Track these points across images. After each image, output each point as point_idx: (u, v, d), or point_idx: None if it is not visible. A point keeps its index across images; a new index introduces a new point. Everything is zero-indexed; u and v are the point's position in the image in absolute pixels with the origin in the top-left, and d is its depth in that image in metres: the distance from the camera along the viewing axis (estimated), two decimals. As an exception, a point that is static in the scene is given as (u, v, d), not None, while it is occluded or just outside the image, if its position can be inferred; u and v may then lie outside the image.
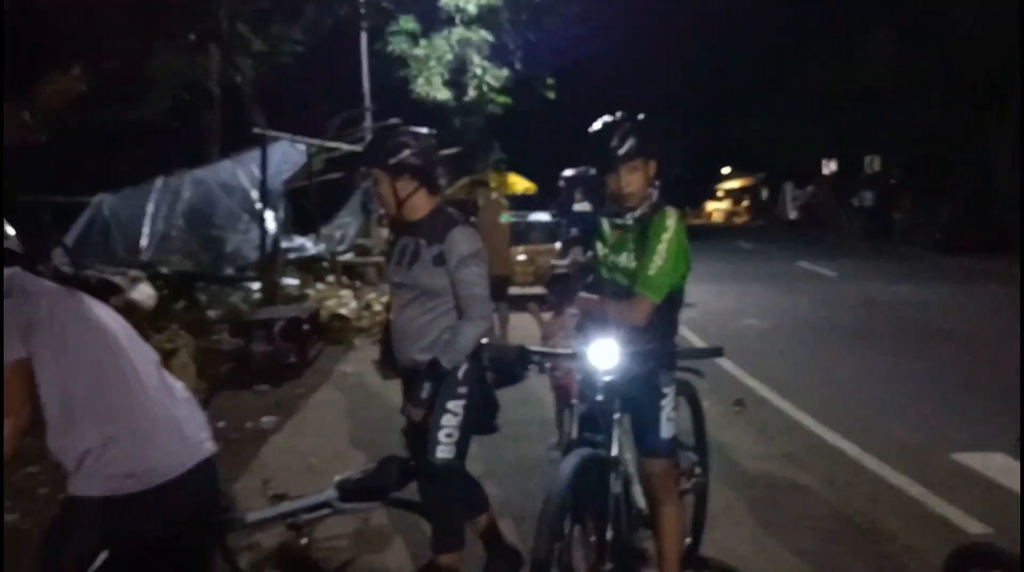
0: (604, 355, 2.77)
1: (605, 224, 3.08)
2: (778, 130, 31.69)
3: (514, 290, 9.15)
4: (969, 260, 17.74)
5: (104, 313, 2.27)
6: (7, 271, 2.18)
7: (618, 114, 2.95)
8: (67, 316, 2.15)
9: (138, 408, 2.15)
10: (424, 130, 3.22)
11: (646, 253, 2.85)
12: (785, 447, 5.30)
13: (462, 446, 3.01)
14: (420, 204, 3.06)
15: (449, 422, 2.96)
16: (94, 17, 5.77)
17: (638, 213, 2.92)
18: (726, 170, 47.23)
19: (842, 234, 28.21)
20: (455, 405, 2.97)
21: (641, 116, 2.94)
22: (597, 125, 2.95)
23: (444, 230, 2.98)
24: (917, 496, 4.39)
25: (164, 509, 2.15)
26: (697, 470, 3.54)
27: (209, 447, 2.27)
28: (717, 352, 2.90)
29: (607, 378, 2.80)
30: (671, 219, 2.88)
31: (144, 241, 10.75)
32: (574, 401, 3.05)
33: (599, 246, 3.10)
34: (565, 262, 5.03)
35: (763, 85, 32.32)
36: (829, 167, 32.15)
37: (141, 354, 2.25)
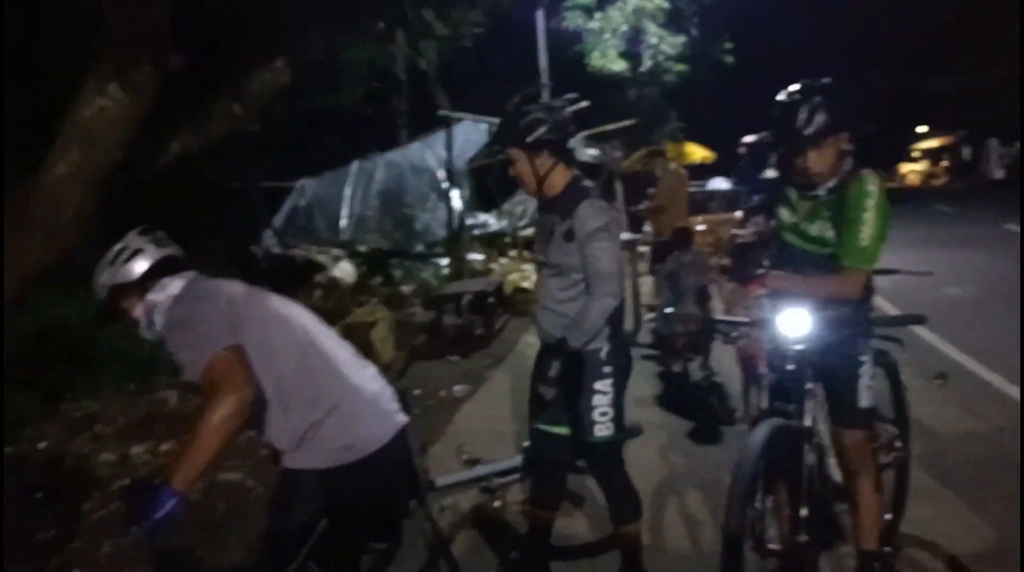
0: (795, 323, 2.71)
1: (792, 193, 2.93)
2: (980, 82, 28.71)
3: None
4: None
5: (285, 304, 2.45)
6: (185, 277, 2.34)
7: (803, 82, 2.76)
8: (256, 311, 2.32)
9: (345, 386, 2.31)
10: (559, 101, 3.11)
11: (852, 222, 2.71)
12: (993, 423, 4.96)
13: (619, 420, 3.00)
14: (557, 180, 2.96)
15: (600, 402, 2.94)
16: (294, 12, 6.24)
17: (831, 184, 2.78)
18: (922, 129, 43.47)
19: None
20: (602, 385, 2.94)
21: (827, 81, 2.75)
22: (782, 96, 2.77)
23: (574, 204, 2.89)
24: None
25: (372, 478, 2.32)
26: (897, 444, 3.37)
27: (402, 418, 2.42)
28: (919, 319, 2.76)
29: (799, 347, 2.73)
30: (872, 184, 2.73)
31: (343, 221, 11.58)
32: (762, 372, 3.00)
33: (786, 214, 2.97)
34: (747, 231, 4.92)
35: (962, 33, 29.38)
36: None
37: (331, 338, 2.43)
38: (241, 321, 2.22)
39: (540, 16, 15.67)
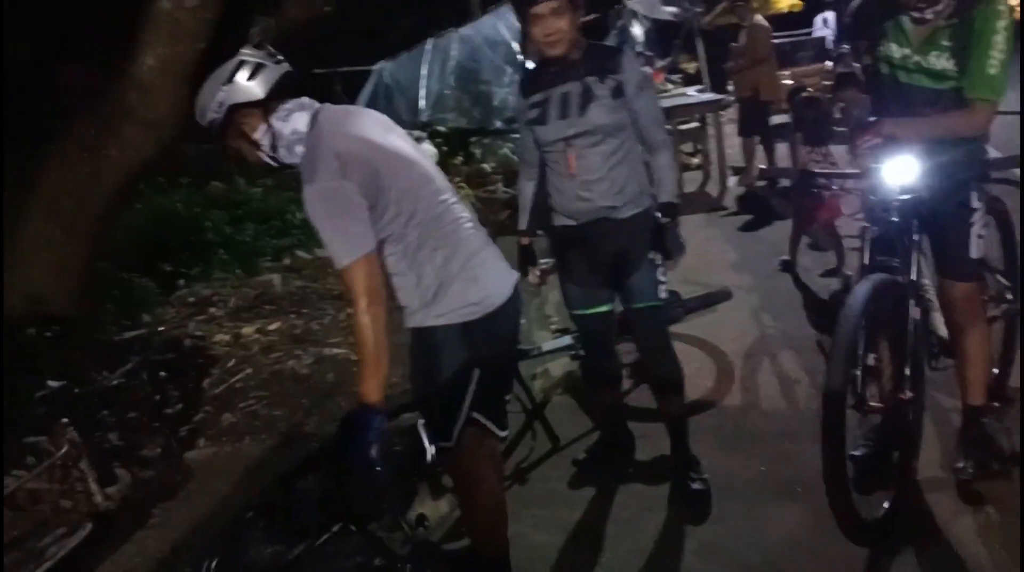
0: (902, 171, 2.56)
1: (905, 20, 2.63)
2: None
3: (776, 119, 8.63)
4: None
5: (416, 151, 2.32)
6: (306, 107, 2.19)
7: None
8: (395, 162, 2.18)
9: (472, 240, 2.29)
10: None
11: (981, 48, 2.47)
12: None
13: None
14: (579, 37, 2.70)
15: (655, 264, 2.84)
16: None
17: (941, 6, 2.49)
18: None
19: None
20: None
21: None
22: None
23: (615, 59, 2.72)
24: None
25: (505, 328, 2.36)
26: (1008, 295, 3.23)
27: (515, 273, 2.43)
28: None
29: (904, 196, 2.59)
30: (1003, 4, 2.48)
31: (422, 102, 11.48)
32: (866, 225, 2.82)
33: (894, 48, 2.68)
34: (810, 86, 4.62)
35: None
36: None
37: (453, 192, 2.36)
38: (380, 176, 2.11)
39: None
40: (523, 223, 3.07)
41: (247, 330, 5.41)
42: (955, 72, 2.58)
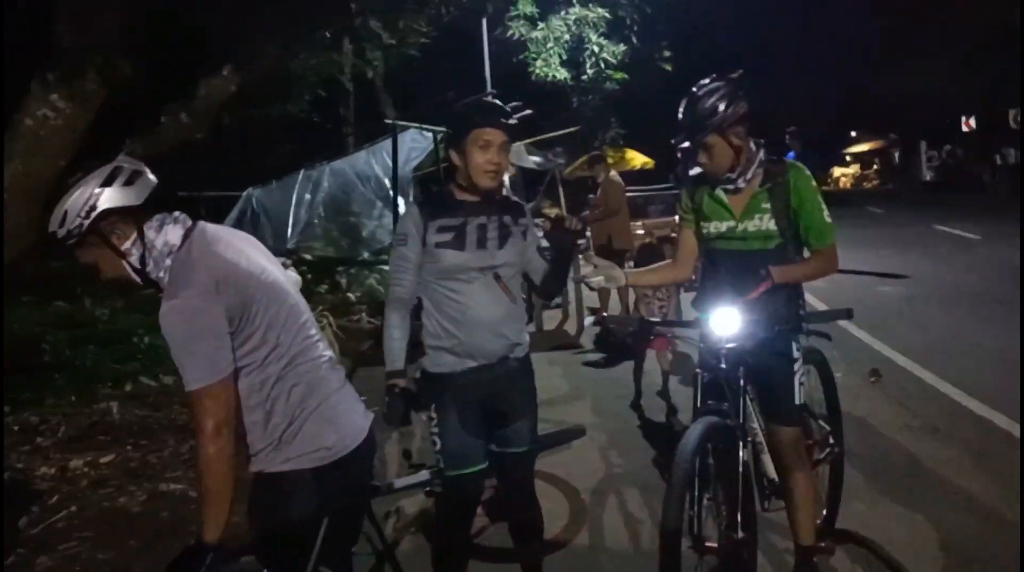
0: (728, 322, 2.77)
1: (721, 194, 2.93)
2: (910, 88, 29.82)
3: (629, 266, 9.19)
4: None
5: (285, 278, 2.23)
6: (179, 222, 2.12)
7: (711, 77, 2.86)
8: (264, 292, 2.10)
9: (328, 380, 2.20)
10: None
11: (809, 205, 2.84)
12: (927, 418, 5.14)
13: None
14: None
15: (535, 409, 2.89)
16: (242, 21, 6.23)
17: (751, 173, 2.85)
18: (853, 133, 44.94)
19: (984, 194, 26.44)
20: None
21: (735, 74, 2.86)
22: (693, 90, 2.85)
23: (519, 206, 2.85)
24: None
25: (359, 474, 2.26)
26: (831, 440, 3.47)
27: (370, 413, 2.33)
28: (847, 314, 2.84)
29: (731, 345, 2.78)
30: (806, 170, 2.90)
31: (290, 230, 11.48)
32: (697, 371, 3.00)
33: (712, 225, 2.96)
34: (660, 237, 5.07)
35: (892, 40, 30.48)
36: (968, 124, 30.08)
37: (314, 325, 2.27)
38: (251, 303, 2.02)
39: (484, 26, 15.79)
40: (398, 363, 2.71)
41: (75, 463, 5.01)
42: (777, 232, 2.89)
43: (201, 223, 2.16)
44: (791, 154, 11.33)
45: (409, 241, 2.68)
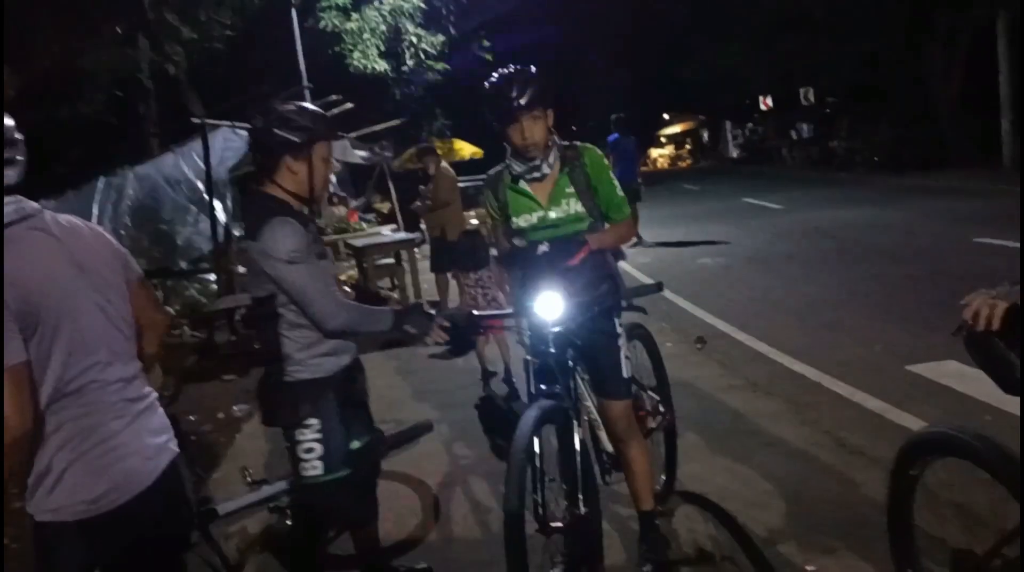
0: (551, 307, 2.80)
1: (524, 186, 3.01)
2: (713, 71, 31.90)
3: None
4: (909, 179, 18.23)
5: (85, 286, 1.96)
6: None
7: (512, 67, 2.96)
8: (58, 300, 1.88)
9: (114, 416, 1.96)
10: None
11: (605, 184, 3.00)
12: (749, 377, 5.47)
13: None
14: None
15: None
16: (18, 17, 5.62)
17: (552, 159, 2.96)
18: (666, 116, 47.53)
19: (784, 167, 28.77)
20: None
21: (534, 69, 2.95)
22: (493, 78, 2.97)
23: None
24: (876, 409, 4.59)
25: (142, 520, 1.99)
26: (661, 408, 3.59)
27: (173, 448, 2.11)
28: (658, 288, 3.01)
29: (556, 329, 2.82)
30: (597, 150, 3.07)
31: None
32: (528, 357, 2.96)
33: (522, 219, 3.03)
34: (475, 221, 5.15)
35: (696, 25, 32.43)
36: (766, 103, 32.55)
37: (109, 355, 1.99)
38: (31, 317, 1.79)
39: (295, 16, 15.24)
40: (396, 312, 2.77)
41: None
42: (586, 212, 2.99)
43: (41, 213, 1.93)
44: (614, 136, 11.77)
45: (308, 254, 2.55)
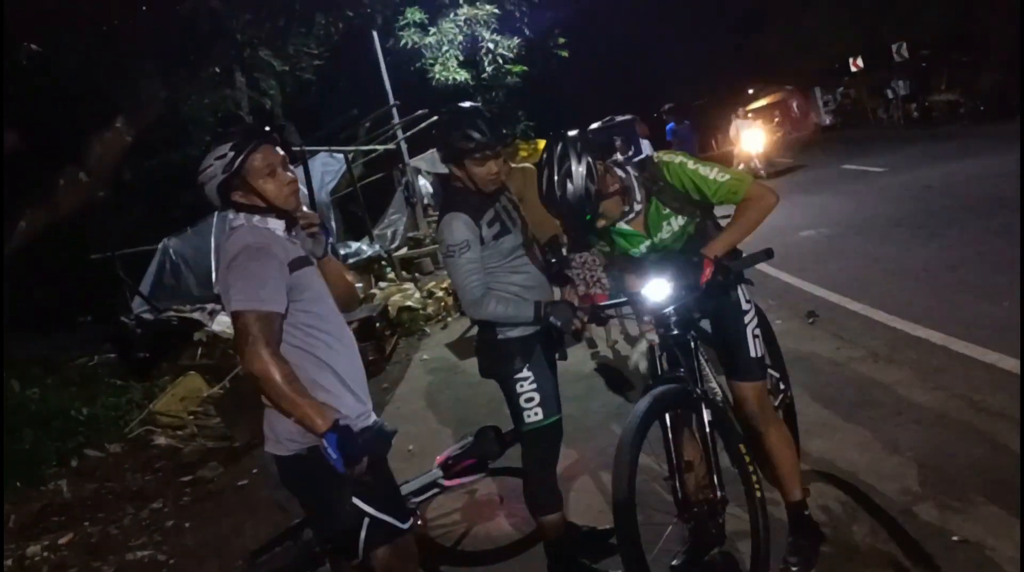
0: (660, 288, 2.81)
1: (622, 226, 2.98)
2: (797, 38, 30.77)
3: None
4: (1017, 125, 17.11)
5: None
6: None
7: (555, 156, 2.79)
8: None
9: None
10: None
11: (699, 182, 2.81)
12: (868, 347, 5.29)
13: (548, 406, 3.11)
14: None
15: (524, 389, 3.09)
16: (126, 70, 6.05)
17: (638, 196, 2.89)
18: (751, 91, 46.17)
19: (882, 128, 27.51)
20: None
21: (573, 136, 2.82)
22: (555, 176, 2.76)
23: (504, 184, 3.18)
24: (1012, 368, 4.31)
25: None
26: (782, 386, 3.51)
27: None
28: (766, 254, 2.82)
29: (678, 308, 2.81)
30: (667, 155, 2.93)
31: (214, 275, 11.20)
32: (651, 339, 3.04)
33: (633, 252, 3.04)
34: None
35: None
36: (856, 64, 31.17)
37: None
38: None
39: (376, 38, 15.67)
40: (536, 305, 3.02)
41: (33, 549, 4.80)
42: (689, 220, 2.96)
43: None
44: (670, 125, 11.51)
45: (472, 246, 2.94)
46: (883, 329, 5.65)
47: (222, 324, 8.90)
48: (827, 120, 36.85)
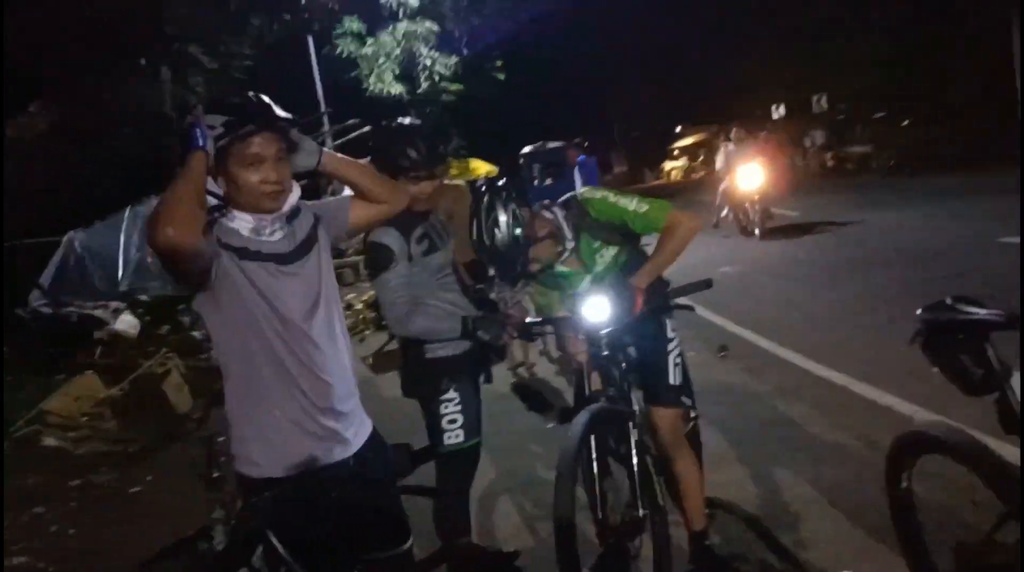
0: (599, 309, 2.84)
1: (560, 268, 3.10)
2: (725, 83, 31.99)
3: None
4: (927, 180, 18.10)
5: None
6: None
7: (485, 213, 2.88)
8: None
9: None
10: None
11: (620, 213, 2.94)
12: (775, 384, 5.47)
13: (470, 429, 3.08)
14: None
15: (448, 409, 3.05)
16: (48, 56, 5.79)
17: (568, 234, 3.01)
18: (678, 129, 47.50)
19: (798, 175, 28.69)
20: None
21: (500, 185, 2.94)
22: (487, 240, 2.88)
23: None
24: (907, 412, 4.53)
25: None
26: (692, 414, 3.53)
27: None
28: (707, 284, 2.93)
29: (609, 330, 2.86)
30: (593, 193, 3.03)
31: (120, 272, 10.76)
32: (580, 361, 3.07)
33: (573, 285, 3.13)
34: None
35: (707, 39, 32.62)
36: (778, 111, 32.49)
37: None
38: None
39: (311, 44, 15.49)
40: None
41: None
42: (619, 250, 3.06)
43: None
44: (582, 158, 11.81)
45: (399, 261, 2.87)
46: (790, 367, 5.85)
47: (125, 323, 8.57)
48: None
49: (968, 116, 20.49)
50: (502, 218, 2.79)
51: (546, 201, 3.08)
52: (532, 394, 5.72)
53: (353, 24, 17.27)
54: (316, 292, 2.18)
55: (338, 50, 17.13)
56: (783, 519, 3.52)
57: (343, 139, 14.54)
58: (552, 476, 2.54)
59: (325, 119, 14.55)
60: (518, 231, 2.79)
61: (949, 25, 20.47)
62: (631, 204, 2.94)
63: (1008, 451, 2.24)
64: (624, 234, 3.01)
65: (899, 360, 5.41)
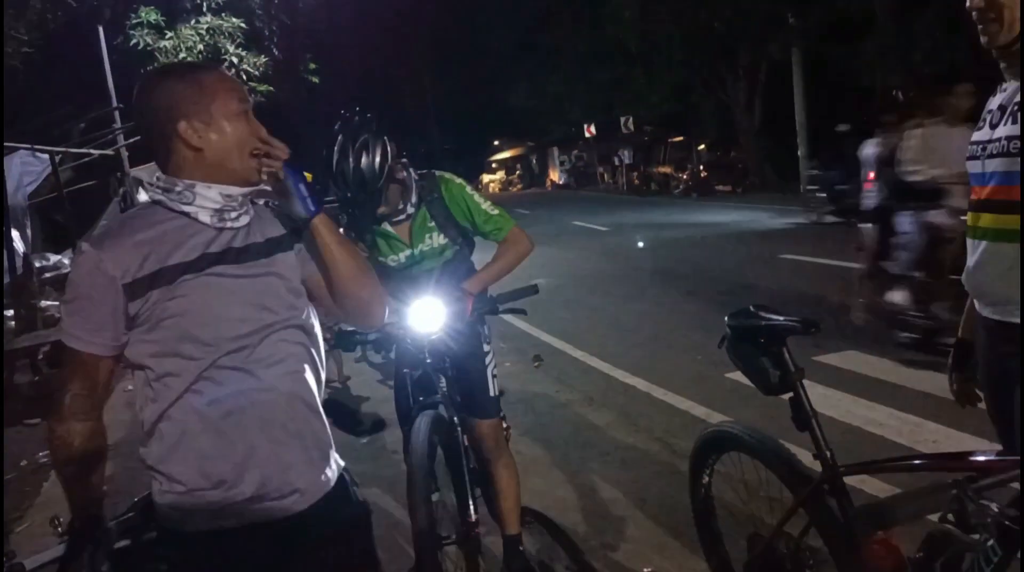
0: (424, 315, 2.77)
1: (388, 228, 2.92)
2: (540, 99, 33.13)
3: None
4: (719, 202, 19.65)
5: None
6: None
7: (343, 132, 2.74)
8: None
9: None
10: None
11: (472, 209, 2.88)
12: (584, 392, 5.64)
13: None
14: None
15: None
16: None
17: (414, 198, 2.88)
18: (496, 142, 48.60)
19: (609, 191, 30.31)
20: None
21: (366, 119, 2.79)
22: (340, 150, 2.71)
23: None
24: (702, 415, 4.85)
25: None
26: (504, 424, 3.49)
27: None
28: (534, 290, 2.98)
29: (432, 337, 2.80)
30: (455, 178, 2.96)
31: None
32: (405, 370, 2.99)
33: (391, 258, 2.96)
34: None
35: (521, 55, 33.65)
36: (590, 130, 34.08)
37: None
38: None
39: (101, 33, 14.27)
40: None
41: None
42: (449, 242, 2.95)
43: None
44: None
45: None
46: (598, 375, 6.07)
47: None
48: (562, 179, 39.71)
49: (748, 146, 22.49)
50: (373, 143, 2.65)
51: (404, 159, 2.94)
52: (343, 410, 5.54)
53: (151, 15, 16.08)
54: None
55: (132, 41, 15.87)
56: (592, 522, 3.60)
57: (137, 138, 13.52)
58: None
59: (116, 115, 13.45)
60: (385, 162, 2.67)
61: (731, 63, 22.33)
62: (484, 203, 2.92)
63: (795, 449, 2.39)
64: (460, 231, 2.95)
65: (695, 368, 5.84)
